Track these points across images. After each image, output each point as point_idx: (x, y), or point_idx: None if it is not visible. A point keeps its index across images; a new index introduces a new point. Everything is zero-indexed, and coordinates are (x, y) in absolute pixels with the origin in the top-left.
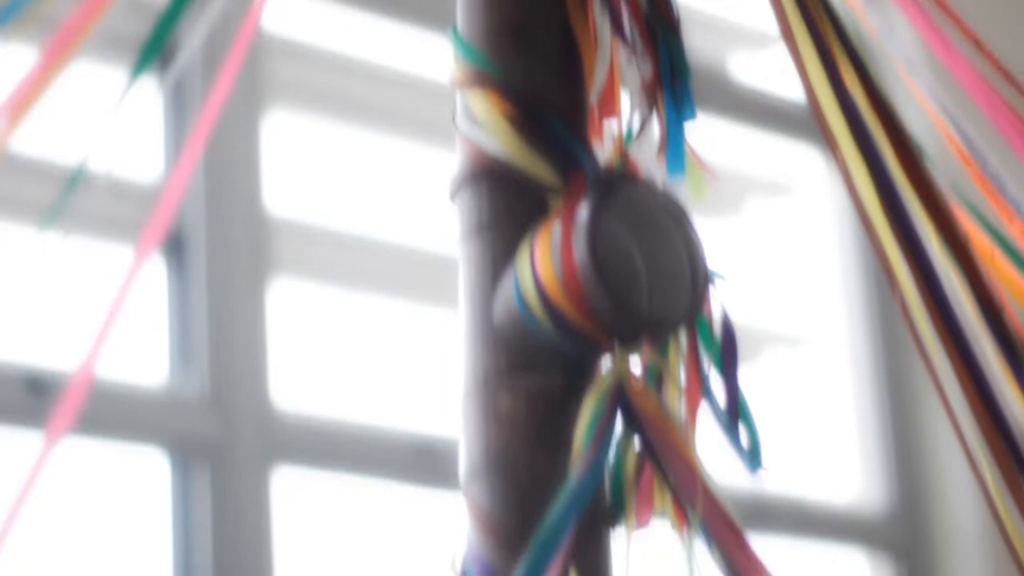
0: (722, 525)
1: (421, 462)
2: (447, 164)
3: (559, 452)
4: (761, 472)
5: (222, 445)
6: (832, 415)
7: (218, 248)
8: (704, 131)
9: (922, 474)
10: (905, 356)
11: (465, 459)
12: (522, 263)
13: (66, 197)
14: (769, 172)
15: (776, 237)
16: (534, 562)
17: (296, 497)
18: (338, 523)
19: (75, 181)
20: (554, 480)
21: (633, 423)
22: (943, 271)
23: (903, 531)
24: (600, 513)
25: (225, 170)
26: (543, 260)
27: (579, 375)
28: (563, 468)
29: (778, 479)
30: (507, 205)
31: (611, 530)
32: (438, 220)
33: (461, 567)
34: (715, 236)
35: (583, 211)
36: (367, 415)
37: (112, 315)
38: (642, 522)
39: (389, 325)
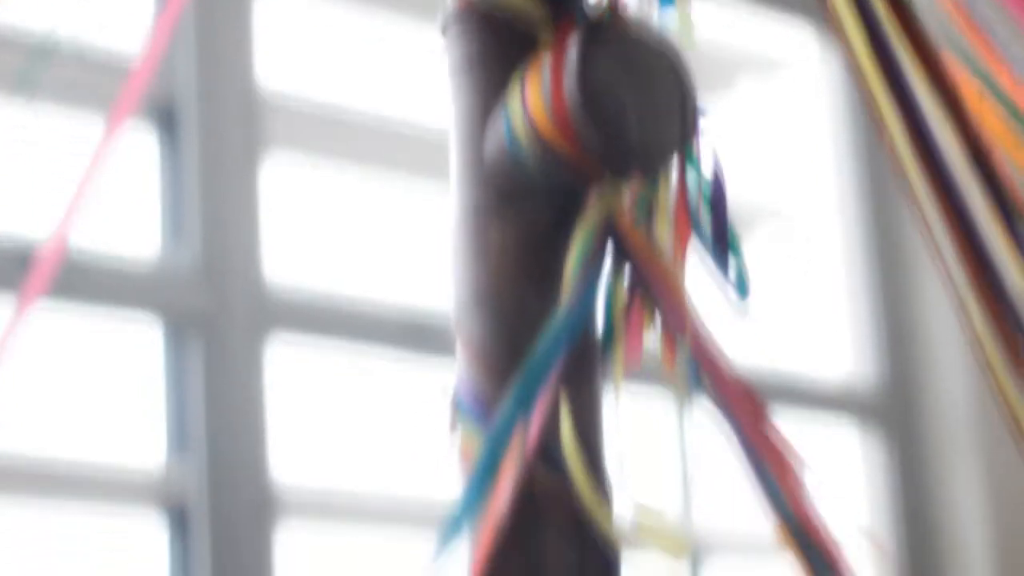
0: (709, 356)
1: (411, 334)
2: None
3: (548, 285)
4: (747, 303)
5: (215, 316)
6: (824, 290)
7: (211, 121)
8: (695, 6)
9: (914, 349)
10: (897, 230)
11: (455, 293)
12: (512, 99)
13: (39, 66)
14: (761, 48)
15: (768, 114)
16: (523, 390)
17: (289, 368)
18: (330, 393)
19: (47, 50)
20: (543, 312)
21: (623, 256)
22: (932, 116)
23: (894, 405)
24: (590, 344)
25: (218, 43)
26: (533, 96)
27: (569, 210)
28: (552, 300)
29: (770, 354)
30: (497, 42)
31: (601, 361)
32: (433, 95)
33: (453, 398)
34: (707, 112)
35: (573, 47)
36: (359, 288)
37: (86, 183)
38: (632, 354)
39: (382, 199)
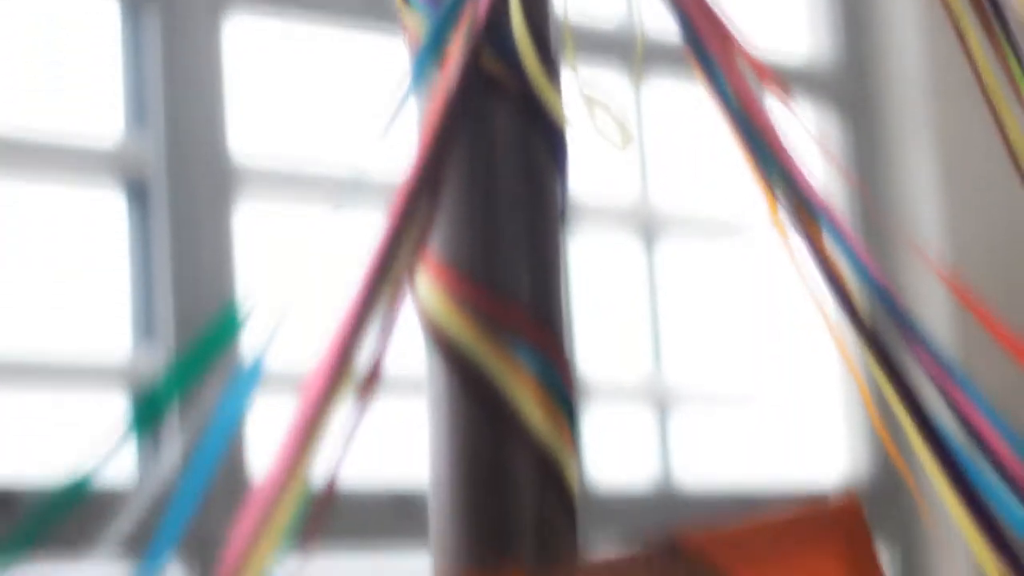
0: None
1: (371, 6)
2: None
3: None
4: None
5: None
6: None
7: None
8: None
9: (870, 27)
10: None
11: None
12: None
13: None
14: None
15: None
16: None
17: (247, 42)
18: (289, 68)
19: None
20: None
21: None
22: None
23: (851, 83)
24: None
25: None
26: None
27: None
28: None
29: None
30: None
31: None
32: None
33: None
34: None
35: None
36: None
37: None
38: None
39: None
